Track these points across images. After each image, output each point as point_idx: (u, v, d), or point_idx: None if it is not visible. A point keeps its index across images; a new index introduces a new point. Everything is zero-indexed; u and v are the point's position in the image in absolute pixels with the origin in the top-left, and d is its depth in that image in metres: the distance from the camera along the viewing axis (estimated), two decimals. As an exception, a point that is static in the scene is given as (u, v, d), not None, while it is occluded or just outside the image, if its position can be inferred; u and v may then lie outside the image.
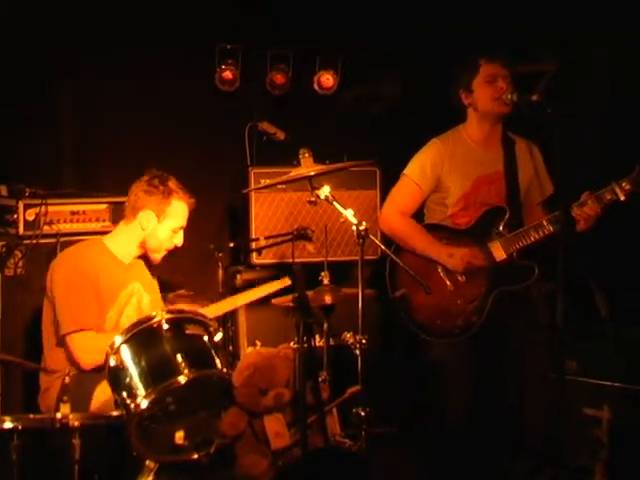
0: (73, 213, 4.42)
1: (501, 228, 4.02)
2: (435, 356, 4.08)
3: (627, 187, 3.83)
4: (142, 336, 3.21)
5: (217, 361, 3.27)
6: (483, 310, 3.98)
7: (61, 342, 3.71)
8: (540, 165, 4.18)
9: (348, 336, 3.86)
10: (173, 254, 4.04)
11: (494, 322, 3.99)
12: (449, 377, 4.06)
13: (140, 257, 4.00)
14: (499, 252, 4.00)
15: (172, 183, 3.91)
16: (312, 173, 3.71)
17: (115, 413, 3.22)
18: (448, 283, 4.05)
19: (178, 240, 3.95)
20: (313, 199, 3.74)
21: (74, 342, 3.66)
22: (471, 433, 4.03)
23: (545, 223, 3.92)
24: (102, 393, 3.54)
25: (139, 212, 3.87)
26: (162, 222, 3.88)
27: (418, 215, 4.23)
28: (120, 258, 3.91)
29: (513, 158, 4.12)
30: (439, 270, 4.06)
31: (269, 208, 4.76)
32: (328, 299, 3.85)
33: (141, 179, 3.92)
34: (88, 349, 3.64)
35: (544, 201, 4.18)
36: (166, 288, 4.22)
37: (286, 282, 3.89)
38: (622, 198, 3.83)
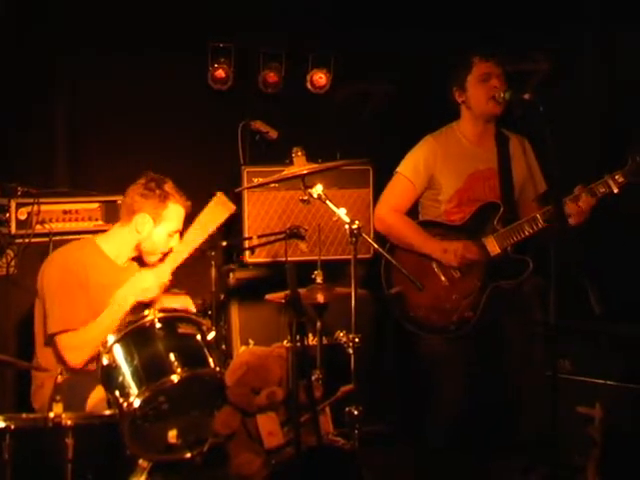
0: (65, 212, 4.40)
1: (495, 223, 4.02)
2: (430, 352, 4.09)
3: (620, 180, 3.83)
4: (135, 335, 3.20)
5: (210, 360, 3.26)
6: (478, 305, 3.99)
7: (50, 341, 3.71)
8: (532, 161, 4.19)
9: (341, 335, 3.86)
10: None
11: (489, 318, 3.99)
12: (444, 373, 4.07)
13: (134, 258, 3.98)
14: (493, 247, 4.00)
15: (168, 186, 3.86)
16: (305, 172, 3.71)
17: (108, 412, 3.21)
18: (443, 279, 4.05)
19: (174, 243, 3.92)
20: (306, 198, 3.74)
21: (61, 342, 3.66)
22: (466, 430, 4.03)
23: (539, 217, 3.93)
24: (96, 398, 3.53)
25: (135, 215, 3.82)
26: (158, 226, 3.84)
27: (412, 212, 4.23)
28: (113, 259, 3.87)
29: (507, 155, 4.13)
30: (434, 266, 4.06)
31: (262, 207, 4.76)
32: (321, 298, 3.84)
33: (137, 182, 3.86)
34: (73, 347, 3.64)
35: (539, 196, 4.19)
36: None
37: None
38: (616, 191, 3.84)
